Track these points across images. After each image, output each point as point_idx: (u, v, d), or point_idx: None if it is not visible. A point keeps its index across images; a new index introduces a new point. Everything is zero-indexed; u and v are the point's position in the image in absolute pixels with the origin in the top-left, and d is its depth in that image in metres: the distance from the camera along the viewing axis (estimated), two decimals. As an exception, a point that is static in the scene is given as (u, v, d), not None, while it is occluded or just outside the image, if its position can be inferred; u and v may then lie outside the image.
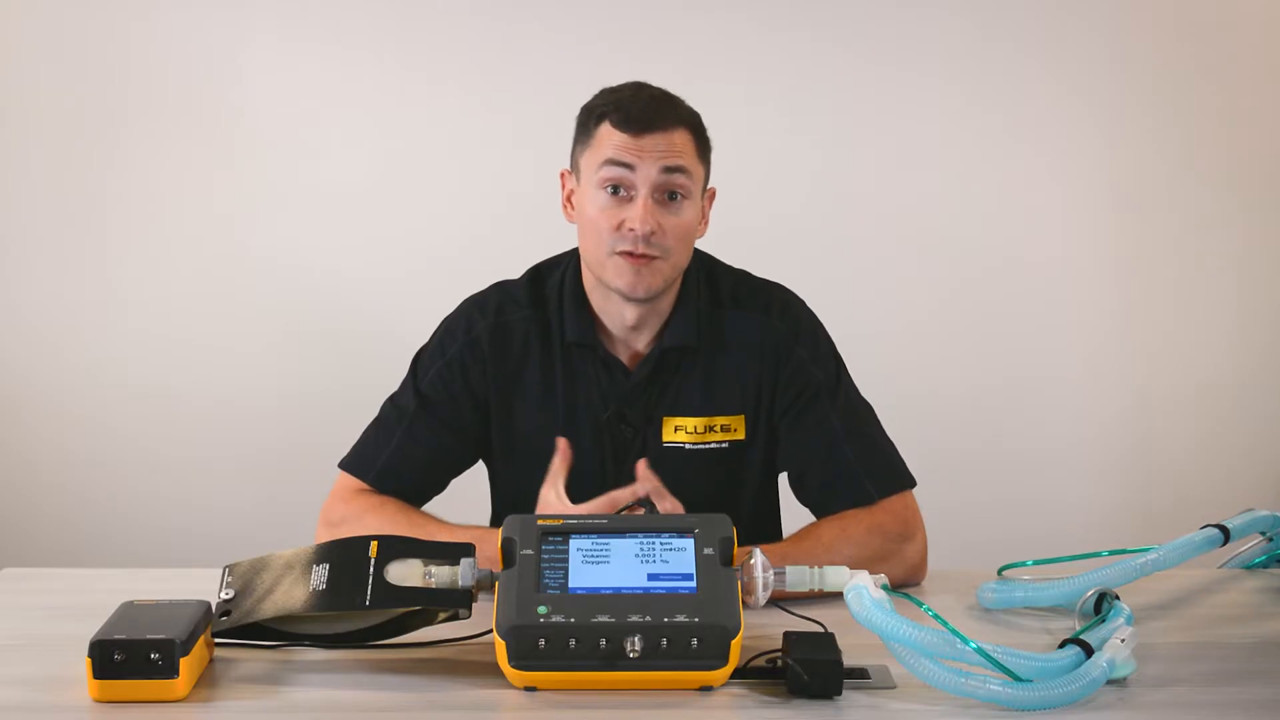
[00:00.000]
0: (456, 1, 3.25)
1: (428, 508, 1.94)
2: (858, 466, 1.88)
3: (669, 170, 1.82)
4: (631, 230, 1.81)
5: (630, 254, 1.83)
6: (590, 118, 1.87)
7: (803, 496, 1.95)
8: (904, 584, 1.82)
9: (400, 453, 1.92)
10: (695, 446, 1.93)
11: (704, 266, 1.99)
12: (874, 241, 3.34)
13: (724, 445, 1.94)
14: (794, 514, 1.98)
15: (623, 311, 1.90)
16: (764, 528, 2.01)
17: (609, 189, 1.83)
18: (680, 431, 1.93)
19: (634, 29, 3.26)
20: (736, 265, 2.04)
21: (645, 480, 1.70)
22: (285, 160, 3.26)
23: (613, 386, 1.93)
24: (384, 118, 3.28)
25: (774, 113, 3.29)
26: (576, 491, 1.84)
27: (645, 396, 1.93)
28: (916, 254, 3.35)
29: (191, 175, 3.26)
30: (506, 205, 3.24)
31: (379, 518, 1.83)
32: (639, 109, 1.83)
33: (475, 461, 2.01)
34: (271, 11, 3.23)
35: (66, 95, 3.22)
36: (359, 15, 3.24)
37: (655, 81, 1.92)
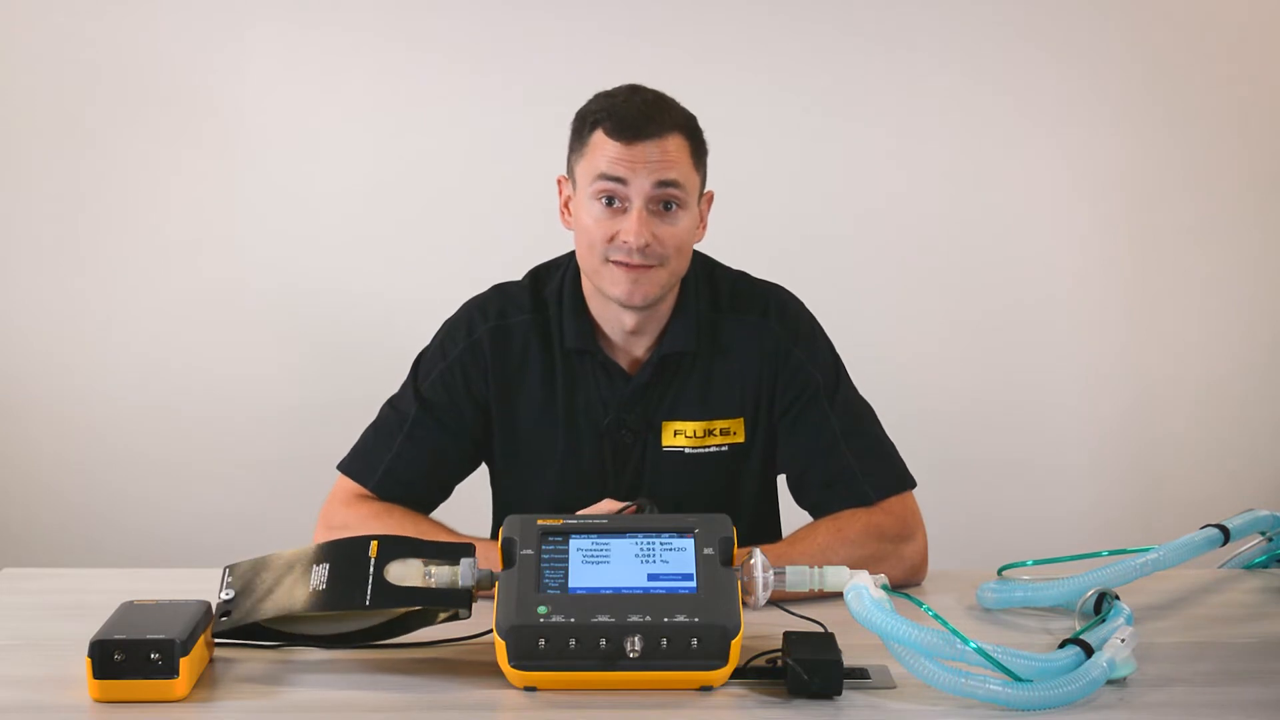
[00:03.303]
0: (459, 1, 3.25)
1: (437, 511, 1.94)
2: (856, 467, 1.88)
3: (662, 185, 1.81)
4: (626, 242, 1.81)
5: (626, 263, 1.83)
6: (584, 124, 1.86)
7: (801, 499, 1.95)
8: (904, 584, 1.82)
9: (402, 457, 1.91)
10: (695, 451, 1.93)
11: (704, 269, 1.99)
12: (878, 243, 3.33)
13: (723, 449, 1.94)
14: (794, 517, 1.98)
15: (621, 318, 1.90)
16: (764, 531, 2.01)
17: (603, 200, 1.83)
18: (680, 436, 1.93)
19: (637, 31, 3.25)
20: (742, 265, 2.04)
21: None
22: (284, 164, 3.25)
23: (612, 392, 1.93)
24: (384, 122, 3.27)
25: (782, 119, 3.28)
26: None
27: (644, 401, 1.93)
28: (921, 256, 3.34)
29: (189, 179, 3.25)
30: (507, 208, 3.24)
31: (384, 525, 1.82)
32: (632, 116, 1.82)
33: (477, 465, 2.00)
34: (269, 16, 3.22)
35: (62, 98, 3.21)
36: (359, 19, 3.24)
37: (664, 82, 1.91)
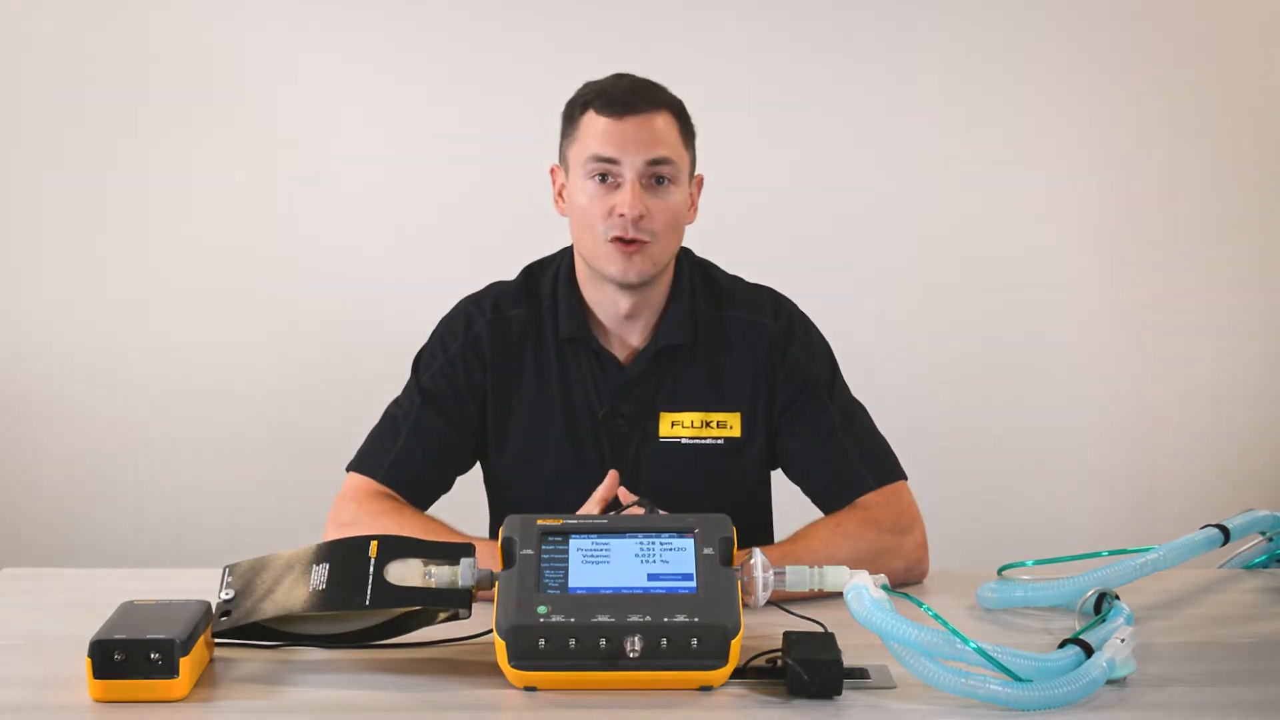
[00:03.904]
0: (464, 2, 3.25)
1: (436, 510, 1.94)
2: (855, 457, 1.91)
3: (654, 162, 1.86)
4: (621, 215, 1.84)
5: (622, 240, 1.85)
6: (574, 108, 1.91)
7: (804, 487, 1.97)
8: (906, 579, 1.83)
9: (407, 449, 1.93)
10: (692, 441, 1.95)
11: (699, 269, 2.02)
12: (874, 244, 3.33)
13: (719, 442, 1.96)
14: (787, 515, 1.99)
15: (616, 301, 1.92)
16: (756, 527, 2.02)
17: (597, 178, 1.87)
18: (677, 426, 1.95)
19: (635, 30, 3.25)
20: (736, 262, 2.06)
21: (623, 497, 1.75)
22: (290, 158, 3.25)
23: (606, 381, 1.95)
24: (392, 119, 3.27)
25: (777, 119, 3.28)
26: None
27: (639, 392, 1.94)
28: (918, 256, 3.34)
29: (193, 174, 3.25)
30: (512, 211, 3.23)
31: (394, 523, 1.82)
32: (621, 94, 1.87)
33: (475, 459, 2.01)
34: (275, 12, 3.22)
35: (70, 90, 3.21)
36: (366, 18, 3.23)
37: (665, 81, 1.94)
